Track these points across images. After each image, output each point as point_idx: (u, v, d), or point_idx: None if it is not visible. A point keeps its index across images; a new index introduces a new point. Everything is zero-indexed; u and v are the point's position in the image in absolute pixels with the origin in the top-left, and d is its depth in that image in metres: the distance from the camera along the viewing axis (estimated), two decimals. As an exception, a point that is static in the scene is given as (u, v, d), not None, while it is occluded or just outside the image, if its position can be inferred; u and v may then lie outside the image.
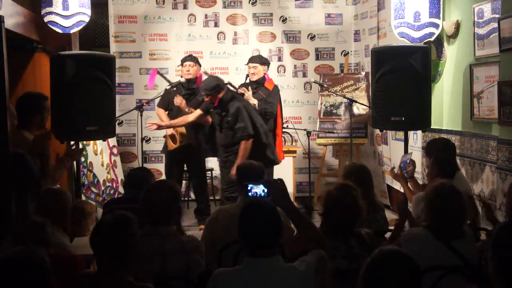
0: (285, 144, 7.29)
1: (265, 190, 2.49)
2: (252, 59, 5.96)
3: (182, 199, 6.65)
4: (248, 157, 5.08)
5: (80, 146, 4.73)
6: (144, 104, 5.85)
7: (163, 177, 7.18)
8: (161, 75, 6.39)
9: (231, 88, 5.76)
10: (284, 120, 7.21)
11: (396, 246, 2.47)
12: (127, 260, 2.31)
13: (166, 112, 6.00)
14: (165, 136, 6.07)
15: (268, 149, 5.39)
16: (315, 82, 6.71)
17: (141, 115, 5.92)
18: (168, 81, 6.29)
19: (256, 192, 2.50)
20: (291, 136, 7.26)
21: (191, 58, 5.89)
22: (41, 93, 4.31)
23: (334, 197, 2.83)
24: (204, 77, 5.71)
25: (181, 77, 5.96)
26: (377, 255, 1.90)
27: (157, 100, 6.24)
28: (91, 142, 5.78)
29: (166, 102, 6.00)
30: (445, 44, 5.46)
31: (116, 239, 2.30)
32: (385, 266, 1.86)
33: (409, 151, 5.26)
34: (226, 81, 5.62)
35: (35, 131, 4.06)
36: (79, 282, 2.36)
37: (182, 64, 5.89)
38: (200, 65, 5.97)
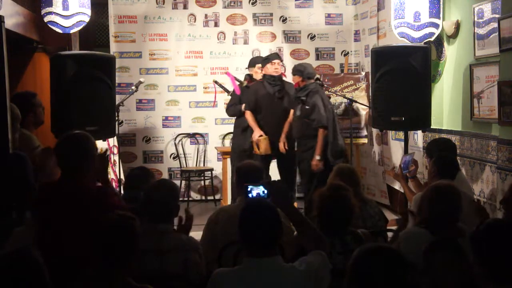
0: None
1: (265, 191, 2.50)
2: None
3: (182, 199, 6.66)
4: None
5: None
6: (121, 105, 5.73)
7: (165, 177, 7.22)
8: (220, 85, 6.48)
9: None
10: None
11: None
12: (128, 261, 2.31)
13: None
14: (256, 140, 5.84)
15: None
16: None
17: (118, 116, 5.51)
18: (226, 89, 6.36)
19: (256, 193, 2.50)
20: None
21: (278, 57, 5.93)
22: (29, 91, 4.32)
23: (326, 197, 2.90)
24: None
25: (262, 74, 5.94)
26: (357, 253, 1.92)
27: (130, 101, 6.16)
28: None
29: (252, 103, 5.86)
30: (445, 44, 5.45)
31: (118, 241, 2.29)
32: (367, 261, 1.88)
33: (410, 151, 5.26)
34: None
35: (32, 129, 4.07)
36: (79, 281, 2.36)
37: (270, 62, 5.85)
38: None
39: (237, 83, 6.16)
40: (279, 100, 5.82)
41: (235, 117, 6.22)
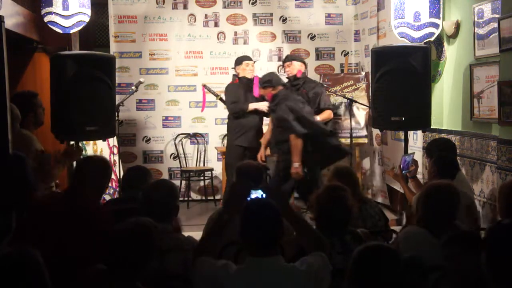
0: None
1: (264, 195, 2.50)
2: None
3: (182, 199, 6.66)
4: None
5: (80, 145, 4.73)
6: (121, 105, 5.76)
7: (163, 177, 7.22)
8: (208, 89, 6.51)
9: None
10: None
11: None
12: (140, 268, 2.32)
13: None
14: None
15: None
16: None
17: (118, 116, 5.61)
18: (215, 94, 6.39)
19: (255, 197, 2.50)
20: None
21: (287, 58, 5.95)
22: (31, 91, 4.33)
23: (324, 198, 2.91)
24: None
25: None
26: (357, 252, 1.94)
27: (130, 101, 6.24)
28: (91, 142, 5.78)
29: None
30: (445, 44, 5.45)
31: (136, 249, 2.31)
32: (367, 261, 1.89)
33: (410, 151, 5.25)
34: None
35: (32, 129, 4.08)
36: (88, 278, 2.36)
37: (283, 65, 5.98)
38: (301, 61, 5.97)
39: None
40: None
41: (232, 118, 6.19)
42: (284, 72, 5.97)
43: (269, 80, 5.54)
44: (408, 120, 4.80)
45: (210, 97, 6.67)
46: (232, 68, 6.29)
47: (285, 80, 6.04)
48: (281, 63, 7.52)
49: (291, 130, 5.29)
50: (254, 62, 6.21)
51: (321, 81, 6.90)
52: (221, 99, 6.36)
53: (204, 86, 6.58)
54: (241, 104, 6.01)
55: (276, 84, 5.53)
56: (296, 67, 5.85)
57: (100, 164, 3.28)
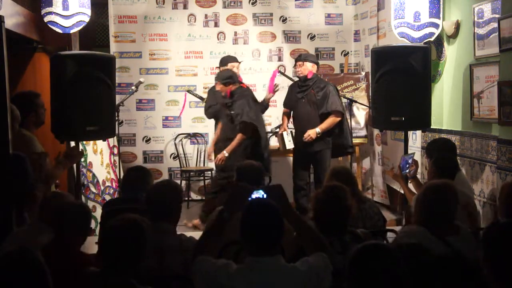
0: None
1: (264, 196, 2.50)
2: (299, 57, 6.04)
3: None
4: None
5: (80, 147, 4.73)
6: (121, 105, 5.79)
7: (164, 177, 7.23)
8: (193, 93, 6.59)
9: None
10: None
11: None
12: (134, 264, 2.32)
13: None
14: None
15: None
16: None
17: (118, 116, 5.69)
18: (200, 97, 6.40)
19: (256, 197, 2.51)
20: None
21: (300, 58, 5.91)
22: (33, 91, 4.33)
23: (321, 199, 2.91)
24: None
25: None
26: (354, 251, 1.98)
27: (130, 101, 6.29)
28: (91, 141, 5.78)
29: (292, 101, 5.89)
30: (445, 44, 5.46)
31: (126, 245, 2.32)
32: (364, 259, 1.91)
33: (410, 151, 5.26)
34: None
35: (33, 129, 4.08)
36: (84, 279, 2.36)
37: (295, 64, 5.97)
38: (313, 61, 5.87)
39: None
40: (301, 100, 5.80)
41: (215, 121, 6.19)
42: (295, 71, 5.91)
43: (230, 77, 5.60)
44: (408, 120, 4.80)
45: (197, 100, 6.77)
46: (217, 67, 6.29)
47: (295, 79, 6.05)
48: (281, 63, 7.57)
49: (244, 119, 5.42)
50: (240, 63, 6.19)
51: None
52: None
53: (188, 91, 6.64)
54: (215, 107, 6.01)
55: (237, 81, 5.61)
56: (307, 68, 5.81)
57: (81, 212, 2.98)
